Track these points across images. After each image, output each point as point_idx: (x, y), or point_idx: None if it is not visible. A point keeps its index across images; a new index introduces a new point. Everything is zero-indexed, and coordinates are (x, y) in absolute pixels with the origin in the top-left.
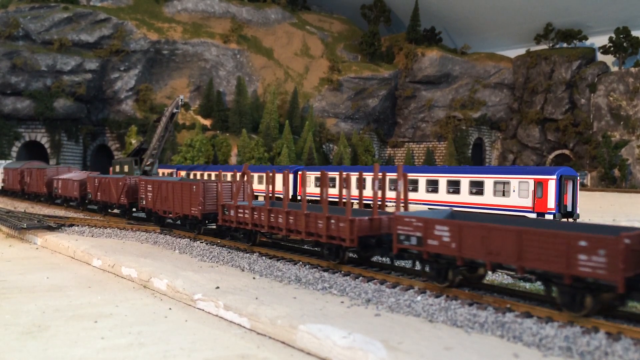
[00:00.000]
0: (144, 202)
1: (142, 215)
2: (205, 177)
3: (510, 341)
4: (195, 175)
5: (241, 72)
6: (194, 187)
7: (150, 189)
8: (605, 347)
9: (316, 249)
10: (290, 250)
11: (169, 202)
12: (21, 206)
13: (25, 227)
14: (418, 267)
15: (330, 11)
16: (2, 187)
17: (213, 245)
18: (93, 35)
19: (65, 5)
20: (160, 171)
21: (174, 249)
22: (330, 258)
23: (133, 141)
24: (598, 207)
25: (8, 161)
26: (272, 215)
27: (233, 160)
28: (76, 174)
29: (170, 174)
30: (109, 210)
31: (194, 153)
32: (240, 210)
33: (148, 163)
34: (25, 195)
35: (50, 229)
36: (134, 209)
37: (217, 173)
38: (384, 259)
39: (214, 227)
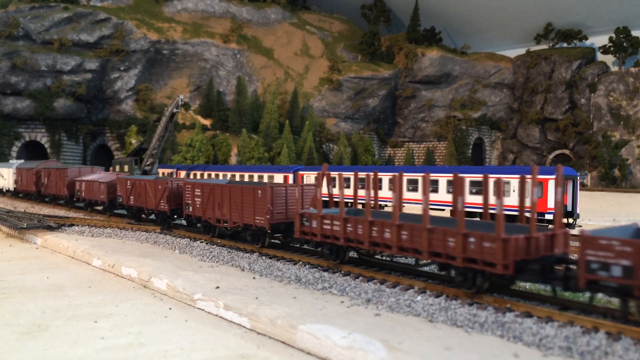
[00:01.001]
0: (190, 209)
1: (178, 222)
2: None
3: (510, 341)
4: (198, 175)
5: (241, 72)
6: (259, 191)
7: (199, 193)
8: (605, 347)
9: (441, 272)
10: (290, 250)
11: (224, 209)
12: (36, 209)
13: (25, 227)
14: (607, 302)
15: (330, 11)
16: (15, 188)
17: (213, 245)
18: (93, 35)
19: (65, 5)
20: (161, 171)
21: (174, 248)
22: (465, 286)
23: (133, 141)
24: (598, 207)
25: (20, 161)
26: (375, 228)
27: (233, 160)
28: (102, 175)
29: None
30: (143, 216)
31: (194, 153)
32: (327, 221)
33: (148, 163)
34: (42, 197)
35: (50, 228)
36: (176, 216)
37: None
38: (538, 285)
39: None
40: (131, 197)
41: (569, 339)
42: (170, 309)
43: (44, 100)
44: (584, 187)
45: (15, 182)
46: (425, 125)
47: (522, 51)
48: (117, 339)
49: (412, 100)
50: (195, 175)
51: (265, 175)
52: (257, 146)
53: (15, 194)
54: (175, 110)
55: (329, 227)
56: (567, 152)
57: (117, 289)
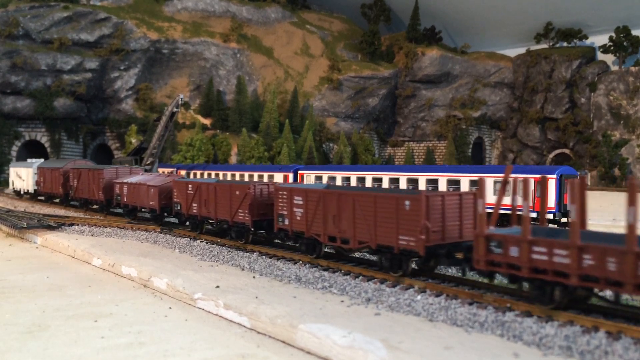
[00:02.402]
0: (286, 222)
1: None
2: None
3: (510, 340)
4: (198, 175)
5: (241, 71)
6: (407, 202)
7: (301, 201)
8: (605, 346)
9: None
10: (290, 249)
11: (343, 223)
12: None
13: (25, 226)
14: None
15: (330, 10)
16: (36, 190)
17: (213, 244)
18: (93, 35)
19: (65, 4)
20: (161, 170)
21: (174, 248)
22: None
23: (133, 140)
24: (598, 206)
25: (40, 160)
26: None
27: (233, 159)
28: (150, 177)
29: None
30: (206, 227)
31: (194, 152)
32: (540, 249)
33: (148, 162)
34: (72, 201)
35: (50, 228)
36: (262, 230)
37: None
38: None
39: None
40: (193, 205)
41: (569, 338)
42: (170, 308)
43: (44, 99)
44: None
45: (37, 183)
46: (425, 125)
47: (522, 50)
48: (117, 339)
49: (412, 99)
50: (195, 174)
51: (266, 175)
52: (257, 145)
53: (34, 196)
54: (175, 109)
55: (546, 257)
56: (567, 151)
57: (117, 288)
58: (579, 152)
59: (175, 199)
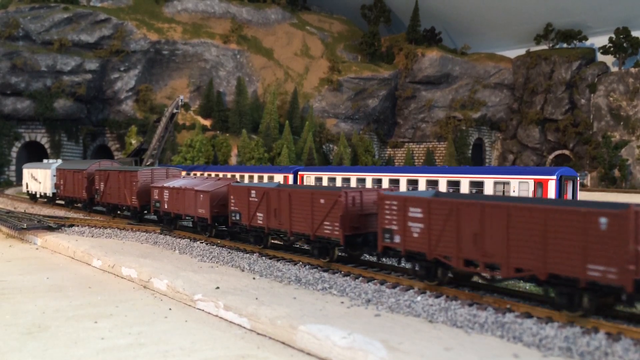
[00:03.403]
0: (397, 239)
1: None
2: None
3: (510, 341)
4: (198, 176)
5: (241, 72)
6: (604, 219)
7: (420, 215)
8: (605, 347)
9: None
10: (290, 251)
11: (497, 244)
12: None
13: (25, 227)
14: None
15: (330, 11)
16: (55, 194)
17: (213, 245)
18: (93, 36)
19: (66, 5)
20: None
21: (174, 249)
22: None
23: (133, 141)
24: None
25: (57, 161)
26: None
27: (233, 160)
28: (197, 181)
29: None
30: (271, 241)
31: (194, 153)
32: None
33: (148, 163)
34: (96, 206)
35: (50, 229)
36: (355, 248)
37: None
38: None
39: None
40: (258, 215)
41: (569, 339)
42: (170, 309)
43: (44, 100)
44: (584, 187)
45: (56, 186)
46: (425, 126)
47: (522, 51)
48: (117, 340)
49: (412, 100)
50: (195, 175)
51: (266, 176)
52: (257, 146)
53: (51, 200)
54: (175, 110)
55: None
56: (567, 152)
57: (117, 289)
58: (579, 153)
59: (232, 207)
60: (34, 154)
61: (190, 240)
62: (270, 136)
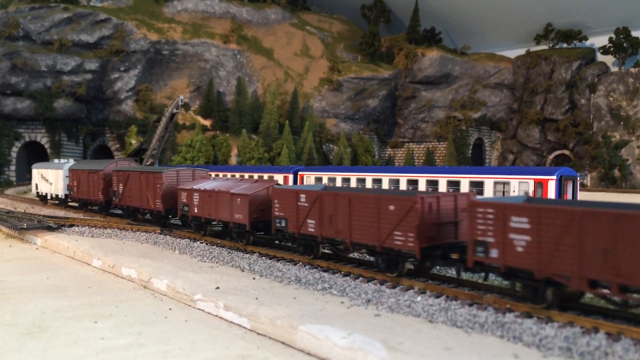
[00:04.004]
0: (494, 254)
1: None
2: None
3: (510, 341)
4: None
5: (241, 72)
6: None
7: (527, 225)
8: (605, 347)
9: None
10: (290, 251)
11: (629, 260)
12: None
13: (25, 227)
14: None
15: (330, 11)
16: (68, 195)
17: (213, 245)
18: (93, 36)
19: (66, 5)
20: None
21: (174, 249)
22: None
23: (133, 141)
24: None
25: (70, 161)
26: None
27: (233, 160)
28: (232, 183)
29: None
30: (320, 251)
31: (194, 153)
32: None
33: (148, 163)
34: (114, 208)
35: (50, 229)
36: (427, 262)
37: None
38: None
39: None
40: (309, 222)
41: (569, 339)
42: (170, 309)
43: (44, 100)
44: (584, 187)
45: (69, 187)
46: (425, 126)
47: (522, 51)
48: (117, 340)
49: (412, 100)
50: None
51: (266, 176)
52: (257, 146)
53: (63, 202)
54: (175, 110)
55: None
56: (567, 152)
57: (117, 289)
58: (579, 153)
59: (277, 213)
60: (34, 154)
61: (190, 240)
62: (270, 136)
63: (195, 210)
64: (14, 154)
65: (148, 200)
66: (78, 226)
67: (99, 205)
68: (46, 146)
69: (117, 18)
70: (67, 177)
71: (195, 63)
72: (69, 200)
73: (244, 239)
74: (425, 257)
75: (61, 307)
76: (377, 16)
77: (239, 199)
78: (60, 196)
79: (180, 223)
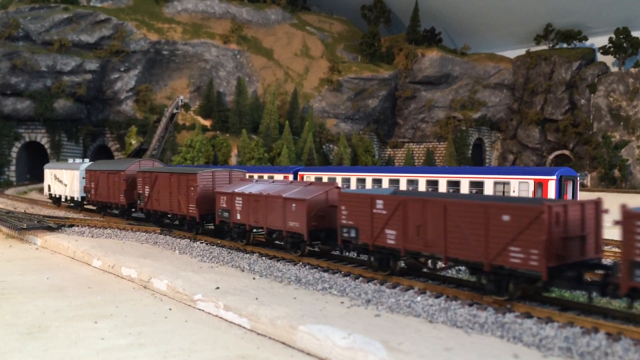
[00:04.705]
0: None
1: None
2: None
3: (510, 342)
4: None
5: (241, 72)
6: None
7: None
8: (605, 347)
9: None
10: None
11: None
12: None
13: (25, 227)
14: None
15: (330, 12)
16: (85, 197)
17: (213, 245)
18: (93, 36)
19: (66, 5)
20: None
21: (174, 249)
22: None
23: (133, 142)
24: None
25: (85, 161)
26: None
27: (233, 160)
28: (283, 186)
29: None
30: (399, 266)
31: (194, 153)
32: None
33: None
34: (135, 212)
35: (50, 229)
36: (555, 284)
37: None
38: None
39: None
40: (387, 232)
41: (569, 339)
42: (170, 309)
43: (44, 101)
44: (584, 187)
45: (86, 189)
46: (425, 126)
47: (522, 52)
48: (117, 340)
49: (412, 100)
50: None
51: (266, 176)
52: (257, 147)
53: (79, 204)
54: (175, 110)
55: None
56: (567, 152)
57: (117, 289)
58: (579, 153)
59: (344, 221)
60: (34, 154)
61: (190, 240)
62: (270, 136)
63: (238, 217)
64: (14, 154)
65: (179, 204)
66: (78, 226)
67: (120, 208)
68: (46, 146)
69: (117, 18)
70: (83, 178)
71: (195, 63)
72: (85, 202)
73: (298, 250)
74: (554, 278)
75: (61, 307)
76: (377, 16)
77: (293, 204)
78: (76, 198)
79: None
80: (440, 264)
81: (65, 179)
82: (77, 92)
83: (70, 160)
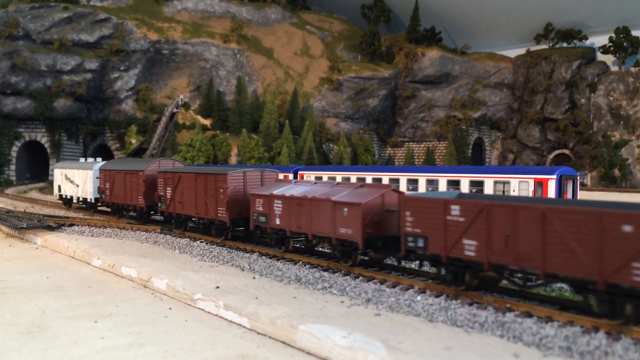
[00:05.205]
0: None
1: None
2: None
3: (510, 341)
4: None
5: (241, 72)
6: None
7: None
8: (605, 346)
9: None
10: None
11: None
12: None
13: (25, 226)
14: None
15: (330, 11)
16: (99, 199)
17: (213, 245)
18: (93, 35)
19: (66, 5)
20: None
21: (174, 248)
22: None
23: (133, 141)
24: None
25: (99, 160)
26: None
27: (233, 160)
28: (329, 188)
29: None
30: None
31: (194, 153)
32: None
33: None
34: (154, 215)
35: (50, 228)
36: None
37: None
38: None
39: None
40: (465, 242)
41: (569, 338)
42: (170, 309)
43: (44, 100)
44: (584, 187)
45: (100, 190)
46: (425, 125)
47: (522, 51)
48: (117, 339)
49: (412, 100)
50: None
51: None
52: (257, 146)
53: (92, 206)
54: (175, 110)
55: None
56: (567, 152)
57: (117, 289)
58: (579, 152)
59: (408, 229)
60: (34, 153)
61: (190, 239)
62: (270, 136)
63: (277, 222)
64: (14, 154)
65: (207, 207)
66: (78, 225)
67: (138, 211)
68: (46, 146)
69: (117, 17)
70: (97, 178)
71: (195, 62)
72: (99, 204)
73: (349, 259)
74: None
75: (61, 306)
76: (377, 16)
77: (345, 209)
78: (89, 200)
79: (243, 234)
80: (534, 280)
81: (77, 179)
82: (77, 92)
83: (82, 160)
